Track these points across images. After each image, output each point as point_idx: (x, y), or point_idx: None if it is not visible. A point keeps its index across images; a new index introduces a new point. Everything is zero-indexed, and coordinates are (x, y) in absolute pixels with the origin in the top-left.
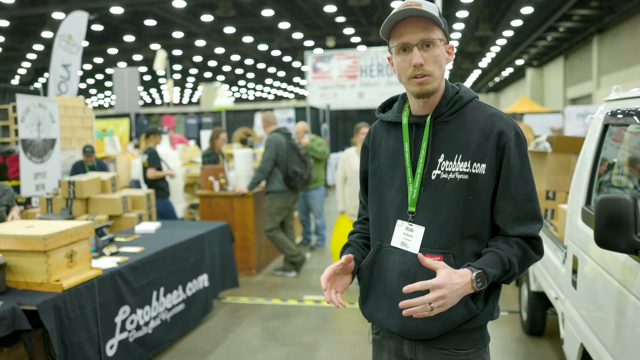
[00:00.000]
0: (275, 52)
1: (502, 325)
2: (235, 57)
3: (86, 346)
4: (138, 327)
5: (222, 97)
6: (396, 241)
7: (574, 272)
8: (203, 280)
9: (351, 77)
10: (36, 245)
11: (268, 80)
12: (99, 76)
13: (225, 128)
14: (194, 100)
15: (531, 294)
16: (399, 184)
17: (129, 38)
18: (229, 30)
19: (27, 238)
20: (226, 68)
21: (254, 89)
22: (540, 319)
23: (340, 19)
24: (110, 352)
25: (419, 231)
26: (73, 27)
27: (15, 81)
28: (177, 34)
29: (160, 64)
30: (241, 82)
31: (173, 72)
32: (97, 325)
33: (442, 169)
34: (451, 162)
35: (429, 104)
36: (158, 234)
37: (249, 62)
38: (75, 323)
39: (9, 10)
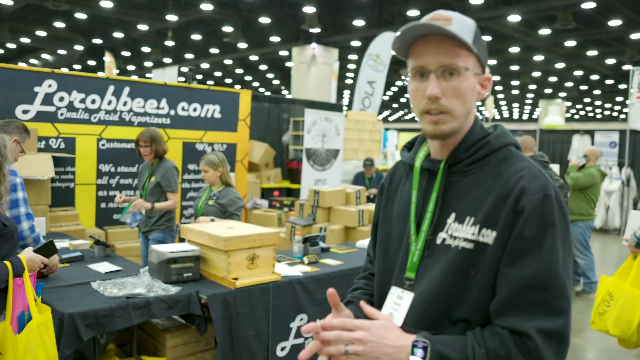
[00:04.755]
0: (627, 67)
1: None
2: (578, 72)
3: (252, 342)
4: None
5: (553, 114)
6: (385, 311)
7: None
8: None
9: None
10: (220, 245)
11: (619, 98)
12: None
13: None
14: (534, 116)
15: None
16: (406, 240)
17: None
18: (570, 43)
19: (215, 237)
20: (568, 84)
21: (602, 107)
22: None
23: None
24: (280, 353)
25: (407, 300)
26: (381, 46)
27: None
28: (514, 49)
29: None
30: (586, 100)
31: (511, 87)
32: (268, 325)
33: (450, 232)
34: (460, 225)
35: (447, 145)
36: None
37: (594, 77)
38: (243, 319)
39: (360, 32)
